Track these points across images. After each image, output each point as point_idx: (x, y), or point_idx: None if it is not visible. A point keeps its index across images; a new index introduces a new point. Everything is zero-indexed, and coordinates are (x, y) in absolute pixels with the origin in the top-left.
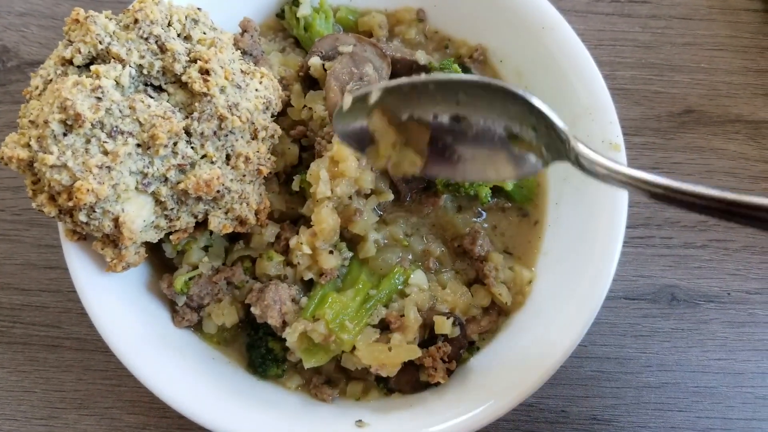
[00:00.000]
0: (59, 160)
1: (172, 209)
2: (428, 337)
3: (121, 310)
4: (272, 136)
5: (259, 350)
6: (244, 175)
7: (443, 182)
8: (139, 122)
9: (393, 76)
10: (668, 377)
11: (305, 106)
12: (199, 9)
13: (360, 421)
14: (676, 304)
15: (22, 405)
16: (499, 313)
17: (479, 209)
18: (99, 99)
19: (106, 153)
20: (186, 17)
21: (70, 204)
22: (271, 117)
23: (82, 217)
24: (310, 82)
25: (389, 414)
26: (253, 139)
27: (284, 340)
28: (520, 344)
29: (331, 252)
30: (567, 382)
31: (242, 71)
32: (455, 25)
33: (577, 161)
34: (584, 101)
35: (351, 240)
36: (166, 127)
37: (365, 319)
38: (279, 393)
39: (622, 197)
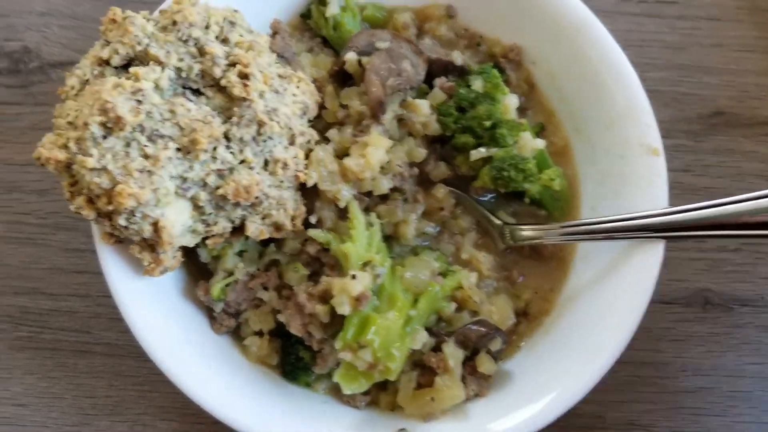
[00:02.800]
0: (99, 163)
1: (209, 214)
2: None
3: (156, 315)
4: (309, 141)
5: (289, 357)
6: (281, 181)
7: (491, 175)
8: (180, 126)
9: (428, 75)
10: (704, 382)
11: (341, 104)
12: (235, 11)
13: (403, 429)
14: (710, 308)
15: (53, 412)
16: (527, 318)
17: (511, 211)
18: (139, 102)
19: (146, 157)
20: (224, 19)
21: (110, 207)
22: (308, 122)
23: (121, 221)
24: (343, 79)
25: (428, 425)
26: (290, 144)
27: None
28: (559, 350)
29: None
30: (603, 387)
31: (280, 76)
32: (485, 23)
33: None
34: (620, 104)
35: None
36: (207, 132)
37: (408, 344)
38: (314, 399)
39: (661, 196)
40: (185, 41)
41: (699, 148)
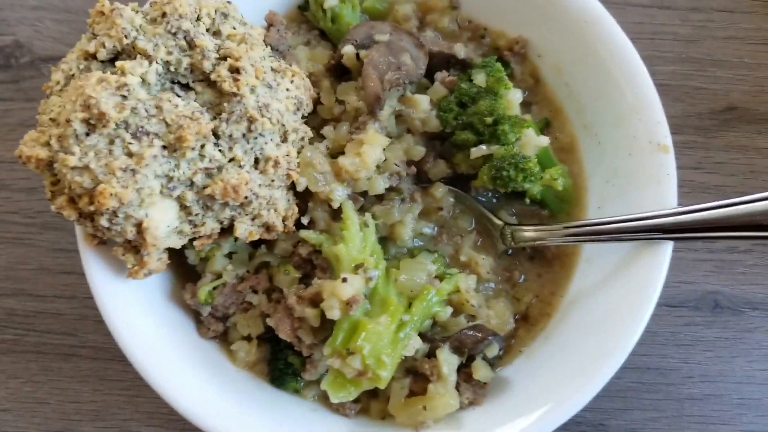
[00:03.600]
0: (81, 162)
1: (197, 214)
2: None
3: (140, 319)
4: (302, 139)
5: (278, 363)
6: (272, 180)
7: (490, 175)
8: (166, 123)
9: (429, 69)
10: (711, 388)
11: (337, 100)
12: (229, 2)
13: None
14: (719, 312)
15: (36, 417)
16: (527, 323)
17: (513, 210)
18: (124, 97)
19: (130, 155)
20: (216, 11)
21: (92, 208)
22: (302, 118)
23: (103, 221)
24: (340, 73)
25: None
26: (283, 141)
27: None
28: (559, 357)
29: (355, 271)
30: (606, 393)
31: (273, 69)
32: (490, 15)
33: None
34: (630, 100)
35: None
36: (194, 129)
37: (400, 351)
38: (303, 406)
39: (670, 195)
40: (174, 34)
41: (710, 145)
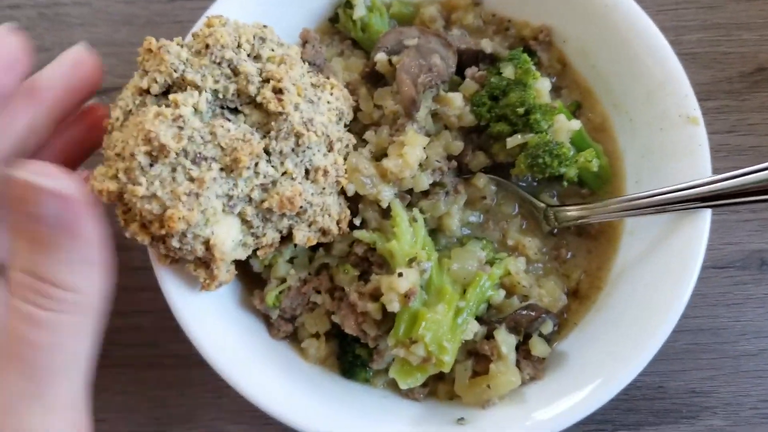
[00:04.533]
0: (148, 191)
1: (258, 227)
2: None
3: (217, 327)
4: (347, 146)
5: (347, 356)
6: (323, 188)
7: (527, 163)
8: (221, 147)
9: (459, 66)
10: (765, 343)
11: (375, 105)
12: (265, 26)
13: (462, 419)
14: (766, 269)
15: (130, 424)
16: (578, 298)
17: (554, 192)
18: (180, 128)
19: (192, 180)
20: (254, 36)
21: (163, 232)
22: (344, 126)
23: (174, 243)
24: (375, 79)
25: (487, 411)
26: (329, 151)
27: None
28: (612, 327)
29: (410, 265)
30: (662, 357)
31: (313, 85)
32: (512, 7)
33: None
34: (657, 76)
35: (431, 232)
36: (248, 150)
37: (459, 335)
38: (374, 394)
39: (704, 165)
40: (219, 63)
41: (743, 107)
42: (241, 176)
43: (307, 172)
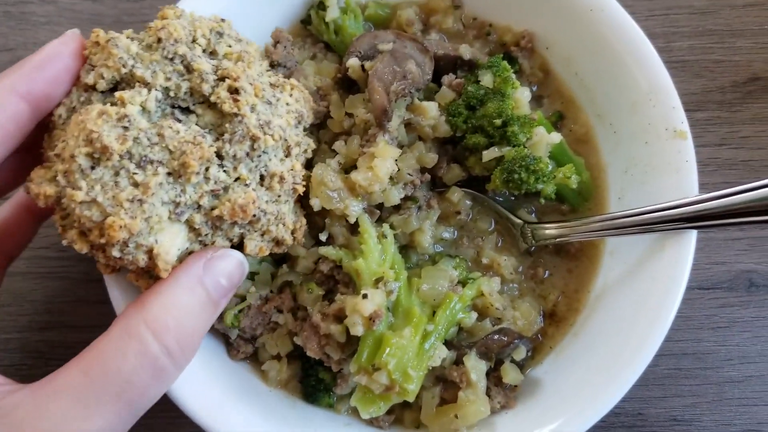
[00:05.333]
0: (88, 196)
1: (206, 234)
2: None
3: None
4: (305, 151)
5: (309, 380)
6: (279, 195)
7: (502, 178)
8: (169, 150)
9: (436, 73)
10: (751, 369)
11: (347, 113)
12: (222, 20)
13: None
14: (754, 291)
15: None
16: (555, 320)
17: (532, 207)
18: (126, 128)
19: (136, 185)
20: (210, 30)
21: (102, 240)
22: (303, 130)
23: (115, 252)
24: (348, 85)
25: None
26: (286, 156)
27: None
28: (590, 353)
29: (376, 285)
30: (643, 382)
31: (271, 85)
32: (494, 11)
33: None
34: (643, 86)
35: (402, 248)
36: (197, 154)
37: (426, 362)
38: (338, 421)
39: (690, 183)
40: (171, 59)
41: (735, 119)
42: (190, 182)
43: (261, 178)
